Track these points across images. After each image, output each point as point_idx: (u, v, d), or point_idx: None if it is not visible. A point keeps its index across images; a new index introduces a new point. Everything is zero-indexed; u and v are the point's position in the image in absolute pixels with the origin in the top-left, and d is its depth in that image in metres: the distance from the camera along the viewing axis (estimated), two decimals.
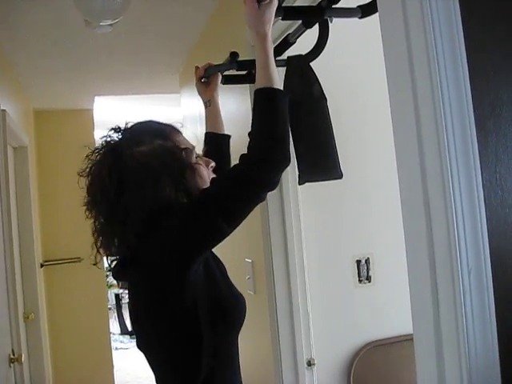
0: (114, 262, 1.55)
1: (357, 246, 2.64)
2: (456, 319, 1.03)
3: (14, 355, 2.97)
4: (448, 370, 1.06)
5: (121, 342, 8.04)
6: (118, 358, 6.03)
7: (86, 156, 1.47)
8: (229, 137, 2.00)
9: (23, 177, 4.35)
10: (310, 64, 2.09)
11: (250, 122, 1.43)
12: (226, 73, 2.15)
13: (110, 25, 2.84)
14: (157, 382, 1.52)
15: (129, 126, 1.53)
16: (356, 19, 1.68)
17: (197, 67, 2.03)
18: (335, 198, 2.58)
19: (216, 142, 1.97)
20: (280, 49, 1.98)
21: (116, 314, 8.39)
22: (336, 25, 1.73)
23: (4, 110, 3.27)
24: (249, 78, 2.19)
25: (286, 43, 1.89)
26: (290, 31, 1.87)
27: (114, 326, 7.44)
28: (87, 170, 1.46)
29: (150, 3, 3.02)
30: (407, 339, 2.53)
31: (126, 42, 3.70)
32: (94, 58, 4.05)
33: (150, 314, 1.44)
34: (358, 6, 1.63)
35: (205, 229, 1.35)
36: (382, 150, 2.57)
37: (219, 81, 2.05)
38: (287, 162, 1.38)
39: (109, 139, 1.48)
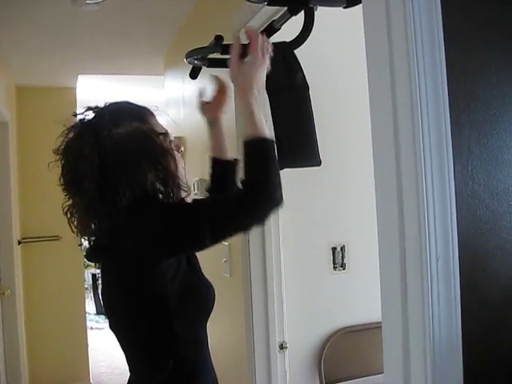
0: (90, 243, 1.53)
1: (333, 234, 2.68)
2: (423, 304, 1.07)
3: None
4: (413, 353, 1.10)
5: (96, 321, 8.03)
6: (92, 337, 6.03)
7: (62, 133, 1.45)
8: (235, 162, 1.83)
9: (3, 152, 4.34)
10: (295, 52, 2.12)
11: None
12: (211, 56, 2.16)
13: (97, 3, 2.83)
14: (128, 364, 1.54)
15: (104, 105, 1.51)
16: (341, 9, 1.70)
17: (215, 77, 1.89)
18: (314, 185, 2.62)
19: (222, 169, 1.82)
20: (265, 34, 1.99)
21: (92, 294, 8.38)
22: (321, 13, 1.74)
23: None
24: None
25: (271, 29, 1.89)
26: (275, 17, 1.88)
27: (90, 306, 7.43)
28: (63, 148, 1.45)
29: None
30: (377, 327, 2.56)
31: (112, 21, 3.68)
32: (79, 37, 4.02)
33: (122, 298, 1.45)
34: None
35: (190, 233, 1.36)
36: (360, 140, 2.60)
37: (228, 98, 1.86)
38: (282, 202, 1.41)
39: (83, 118, 1.46)
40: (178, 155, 1.53)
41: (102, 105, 1.51)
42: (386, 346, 1.18)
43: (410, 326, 1.10)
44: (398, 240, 1.12)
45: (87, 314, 6.12)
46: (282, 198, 1.40)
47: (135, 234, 1.38)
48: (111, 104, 1.52)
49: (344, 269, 2.66)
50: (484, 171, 1.16)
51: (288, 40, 1.96)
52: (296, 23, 1.79)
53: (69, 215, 1.48)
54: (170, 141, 1.52)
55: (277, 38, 2.00)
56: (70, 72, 5.03)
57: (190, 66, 2.42)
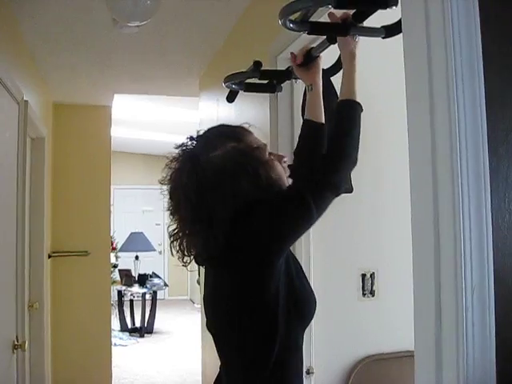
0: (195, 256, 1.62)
1: (363, 260, 2.67)
2: (457, 335, 1.07)
3: (17, 341, 3.02)
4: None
5: (120, 338, 8.08)
6: (116, 354, 6.06)
7: (166, 165, 1.56)
8: (324, 128, 1.95)
9: (39, 168, 4.42)
10: (331, 79, 2.15)
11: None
12: (248, 81, 2.20)
13: (137, 26, 2.90)
14: (223, 368, 1.63)
15: (201, 133, 1.63)
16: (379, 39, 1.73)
17: (292, 53, 1.96)
18: (345, 211, 2.62)
19: (314, 130, 1.94)
20: (303, 61, 2.02)
21: (117, 311, 8.44)
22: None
23: (26, 101, 3.33)
24: (269, 88, 2.25)
25: (309, 57, 1.93)
26: (313, 45, 1.91)
27: (114, 323, 7.48)
28: (168, 177, 1.55)
29: (177, 8, 3.09)
30: (406, 355, 2.56)
31: (150, 42, 3.77)
32: (117, 56, 4.12)
33: (233, 304, 1.53)
34: (382, 27, 1.67)
35: (298, 213, 1.49)
36: (394, 167, 2.61)
37: (321, 65, 1.94)
38: (356, 163, 1.60)
39: (184, 147, 1.57)
40: (278, 165, 1.61)
41: (199, 133, 1.63)
42: (418, 378, 1.17)
43: (443, 357, 1.10)
44: (433, 270, 1.12)
45: (112, 331, 6.15)
46: (357, 159, 1.60)
47: (251, 237, 1.48)
48: (208, 130, 1.64)
49: (373, 296, 2.65)
50: None
51: (326, 67, 2.00)
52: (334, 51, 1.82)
53: (172, 239, 1.60)
54: (270, 153, 1.62)
55: None
56: (106, 91, 5.15)
57: (226, 89, 2.46)
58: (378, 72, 2.60)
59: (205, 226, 1.47)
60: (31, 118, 3.53)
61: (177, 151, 1.57)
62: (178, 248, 1.58)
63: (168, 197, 1.56)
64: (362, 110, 1.66)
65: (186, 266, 1.61)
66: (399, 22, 1.59)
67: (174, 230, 1.58)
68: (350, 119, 1.63)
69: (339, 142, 1.60)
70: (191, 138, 1.59)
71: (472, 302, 1.07)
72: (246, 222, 1.48)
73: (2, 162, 2.90)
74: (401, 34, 1.56)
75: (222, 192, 1.48)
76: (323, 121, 1.93)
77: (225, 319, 1.58)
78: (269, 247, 1.47)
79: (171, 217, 1.58)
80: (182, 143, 1.58)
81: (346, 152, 1.59)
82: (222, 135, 1.59)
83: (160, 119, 7.56)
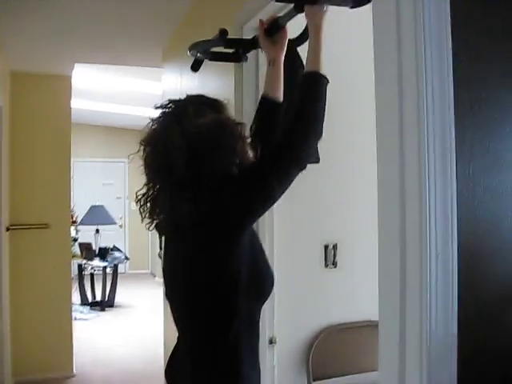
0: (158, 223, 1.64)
1: (325, 232, 2.70)
2: (421, 300, 1.09)
3: None
4: (409, 350, 1.12)
5: (81, 312, 8.02)
6: (77, 328, 6.00)
7: (147, 125, 1.56)
8: (282, 105, 1.94)
9: None
10: (297, 49, 2.13)
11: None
12: (213, 49, 2.17)
13: None
14: (181, 338, 1.67)
15: (184, 98, 1.63)
16: (347, 10, 1.72)
17: (261, 20, 1.93)
18: (309, 183, 2.63)
19: (270, 108, 1.92)
20: (270, 31, 2.00)
21: (78, 285, 8.36)
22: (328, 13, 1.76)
23: None
24: (235, 57, 2.22)
25: (276, 25, 1.91)
26: (281, 14, 1.89)
27: (75, 297, 7.41)
28: (149, 138, 1.55)
29: None
30: (367, 325, 2.61)
31: (113, 10, 3.68)
32: (79, 24, 4.01)
33: (196, 271, 1.55)
34: None
35: (262, 192, 1.53)
36: (359, 140, 2.63)
37: (286, 40, 1.92)
38: (321, 136, 1.60)
39: (165, 110, 1.58)
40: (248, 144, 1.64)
41: (182, 97, 1.63)
42: (382, 342, 1.20)
43: (407, 322, 1.12)
44: (398, 237, 1.14)
45: (72, 305, 6.10)
46: (322, 132, 1.60)
47: (222, 209, 1.50)
48: (189, 96, 1.65)
49: (335, 267, 2.68)
50: (485, 173, 1.19)
51: (292, 37, 1.99)
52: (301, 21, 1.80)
53: (142, 203, 1.59)
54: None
55: None
56: (67, 60, 5.01)
57: (190, 60, 2.42)
58: (351, 51, 2.59)
59: (188, 190, 1.48)
60: None
61: (157, 113, 1.57)
62: (147, 211, 1.58)
63: (147, 157, 1.55)
64: (327, 82, 1.64)
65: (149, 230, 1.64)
66: None
67: (147, 191, 1.57)
68: (315, 92, 1.62)
69: (304, 116, 1.60)
70: (172, 101, 1.59)
71: (436, 269, 1.09)
72: (215, 197, 1.49)
73: None
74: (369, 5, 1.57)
75: (210, 160, 1.49)
76: (281, 99, 1.92)
77: (186, 291, 1.59)
78: (234, 223, 1.50)
79: (150, 178, 1.57)
80: (162, 105, 1.59)
81: (311, 125, 1.59)
82: (204, 104, 1.60)
83: (121, 90, 7.42)
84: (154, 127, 1.56)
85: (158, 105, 1.60)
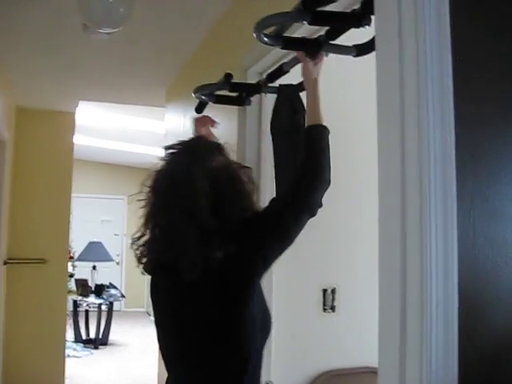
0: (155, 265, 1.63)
1: (324, 276, 2.69)
2: (421, 351, 1.08)
3: None
4: None
5: (74, 349, 7.91)
6: (69, 365, 5.92)
7: (154, 166, 1.57)
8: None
9: None
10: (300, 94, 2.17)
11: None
12: (218, 92, 2.21)
13: (108, 33, 2.89)
14: (183, 378, 1.62)
15: (189, 141, 1.65)
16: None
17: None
18: (307, 227, 2.63)
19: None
20: (273, 76, 2.05)
21: (72, 321, 8.28)
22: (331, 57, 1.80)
23: None
24: (239, 100, 2.26)
25: (280, 71, 1.95)
26: (285, 60, 1.93)
27: (69, 333, 7.34)
28: (168, 179, 1.53)
29: (149, 17, 3.08)
30: (365, 371, 2.58)
31: (119, 50, 3.75)
32: (84, 63, 4.09)
33: (214, 315, 1.53)
34: (354, 45, 1.70)
35: (281, 238, 1.58)
36: (358, 182, 2.65)
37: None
38: (330, 184, 1.69)
39: (176, 153, 1.58)
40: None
41: (186, 140, 1.65)
42: None
43: (407, 371, 1.11)
44: (399, 286, 1.14)
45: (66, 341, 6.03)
46: (330, 180, 1.68)
47: (241, 256, 1.51)
48: (193, 140, 1.71)
49: (334, 311, 2.66)
50: (485, 223, 1.20)
51: (295, 82, 2.02)
52: None
53: (141, 248, 1.60)
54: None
55: (284, 80, 2.07)
56: (71, 97, 5.09)
57: (193, 100, 2.47)
58: (355, 92, 2.63)
59: (216, 236, 1.47)
60: None
61: (164, 153, 1.58)
62: (144, 252, 1.59)
63: (163, 198, 1.54)
64: (328, 132, 1.72)
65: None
66: (371, 41, 1.64)
67: (153, 232, 1.58)
68: (320, 144, 1.70)
69: (313, 166, 1.67)
70: (182, 143, 1.61)
71: (436, 318, 1.09)
72: (237, 243, 1.50)
73: None
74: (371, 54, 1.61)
75: (230, 203, 1.51)
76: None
77: (200, 333, 1.56)
78: (256, 268, 1.53)
79: (158, 218, 1.57)
80: (173, 146, 1.59)
81: (320, 174, 1.67)
82: (211, 148, 1.61)
83: (122, 128, 7.49)
84: (171, 168, 1.54)
85: (169, 145, 1.59)
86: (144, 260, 1.61)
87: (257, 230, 1.55)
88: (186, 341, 1.60)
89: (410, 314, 1.12)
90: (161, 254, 1.57)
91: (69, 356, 6.75)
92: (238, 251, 1.49)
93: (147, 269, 1.64)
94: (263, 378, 2.40)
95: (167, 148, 1.59)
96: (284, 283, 2.55)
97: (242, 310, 1.50)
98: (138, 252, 1.60)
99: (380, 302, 1.21)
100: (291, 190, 1.68)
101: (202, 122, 2.22)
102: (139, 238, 1.59)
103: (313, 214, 1.64)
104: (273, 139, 2.10)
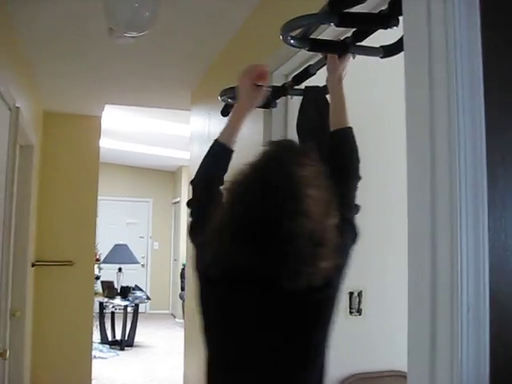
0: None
1: (351, 279, 2.66)
2: (451, 358, 1.07)
3: None
4: None
5: (100, 350, 7.99)
6: (95, 366, 5.98)
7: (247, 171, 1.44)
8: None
9: (26, 176, 4.39)
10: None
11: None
12: None
13: (134, 37, 2.91)
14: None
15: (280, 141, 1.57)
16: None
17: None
18: None
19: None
20: (299, 78, 2.04)
21: (98, 323, 8.36)
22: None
23: (18, 107, 3.32)
24: (264, 103, 2.26)
25: (305, 73, 1.95)
26: (311, 62, 1.93)
27: (95, 335, 7.41)
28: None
29: (174, 21, 3.10)
30: (391, 375, 2.56)
31: (144, 54, 3.78)
32: (110, 67, 4.13)
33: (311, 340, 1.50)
34: (381, 46, 1.69)
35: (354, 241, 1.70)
36: (386, 185, 2.63)
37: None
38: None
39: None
40: None
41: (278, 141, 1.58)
42: None
43: (436, 374, 1.10)
44: (429, 290, 1.12)
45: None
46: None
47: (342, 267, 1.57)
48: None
49: (360, 314, 2.65)
50: None
51: (321, 85, 2.02)
52: None
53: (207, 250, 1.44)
54: None
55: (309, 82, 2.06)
56: (97, 101, 5.14)
57: (218, 103, 2.47)
58: (382, 93, 2.61)
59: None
60: (22, 124, 3.51)
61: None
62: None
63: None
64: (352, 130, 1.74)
65: None
66: (398, 42, 1.63)
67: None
68: (351, 146, 1.72)
69: (350, 168, 1.69)
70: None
71: (467, 322, 1.07)
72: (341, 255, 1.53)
73: None
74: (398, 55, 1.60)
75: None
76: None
77: (290, 359, 1.45)
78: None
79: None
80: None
81: (357, 175, 1.70)
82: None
83: (148, 131, 7.55)
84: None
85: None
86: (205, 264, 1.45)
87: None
88: (265, 367, 1.44)
89: (440, 317, 1.10)
90: (251, 259, 1.35)
91: (95, 357, 6.82)
92: (343, 263, 1.50)
93: (213, 275, 1.44)
94: None
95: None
96: None
97: (328, 320, 1.51)
98: (208, 257, 1.42)
99: (409, 306, 1.20)
100: (349, 196, 1.66)
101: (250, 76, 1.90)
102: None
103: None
104: (299, 140, 2.10)
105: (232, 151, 1.75)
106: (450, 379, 1.07)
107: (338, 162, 1.66)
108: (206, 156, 1.77)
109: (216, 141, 1.76)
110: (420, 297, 1.16)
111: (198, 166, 1.78)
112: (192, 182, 1.76)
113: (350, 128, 1.72)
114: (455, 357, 1.06)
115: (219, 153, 1.74)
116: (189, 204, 1.80)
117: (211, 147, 1.76)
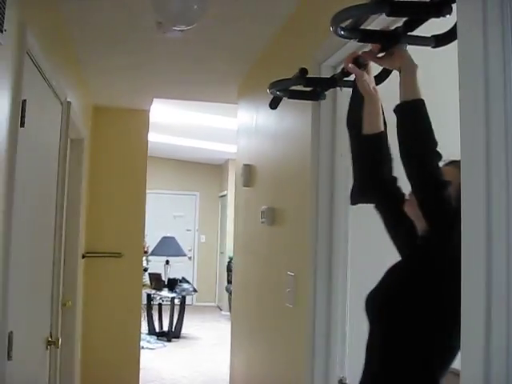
0: None
1: None
2: (508, 348, 1.05)
3: (51, 338, 3.06)
4: None
5: (148, 341, 8.13)
6: (143, 357, 6.09)
7: None
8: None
9: (77, 169, 4.49)
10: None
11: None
12: (292, 88, 2.20)
13: (181, 30, 2.93)
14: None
15: None
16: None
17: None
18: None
19: (380, 144, 1.96)
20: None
21: (146, 314, 8.49)
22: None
23: (69, 102, 3.39)
24: (313, 95, 2.24)
25: (356, 64, 1.92)
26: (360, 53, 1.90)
27: (143, 326, 7.54)
28: None
29: (220, 14, 3.11)
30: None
31: (191, 48, 3.80)
32: (157, 61, 4.17)
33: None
34: (432, 36, 1.65)
35: None
36: None
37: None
38: None
39: None
40: None
41: None
42: None
43: (491, 371, 1.08)
44: (484, 284, 1.10)
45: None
46: None
47: None
48: None
49: None
50: None
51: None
52: None
53: None
54: None
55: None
56: (146, 95, 5.20)
57: (265, 96, 2.46)
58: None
59: None
60: (72, 118, 3.58)
61: None
62: None
63: None
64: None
65: None
66: (450, 31, 1.59)
67: None
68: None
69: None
70: None
71: None
72: None
73: (45, 161, 2.96)
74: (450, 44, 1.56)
75: None
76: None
77: None
78: None
79: None
80: None
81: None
82: None
83: (195, 125, 7.61)
84: None
85: None
86: None
87: None
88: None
89: (495, 314, 1.08)
90: None
91: (143, 348, 6.94)
92: None
93: None
94: (337, 373, 2.40)
95: None
96: (358, 275, 2.52)
97: None
98: None
99: (463, 301, 1.17)
100: None
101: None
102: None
103: None
104: (349, 133, 2.08)
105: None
106: (505, 376, 1.05)
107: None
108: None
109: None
110: (474, 293, 1.12)
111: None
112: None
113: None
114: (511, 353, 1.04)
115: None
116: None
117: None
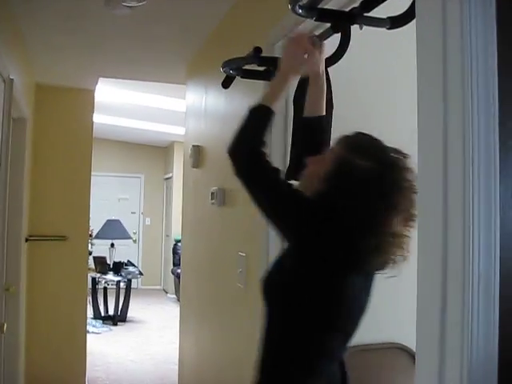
0: None
1: None
2: (462, 327, 1.07)
3: None
4: (448, 371, 1.10)
5: (93, 326, 8.02)
6: (89, 341, 6.00)
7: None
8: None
9: (19, 149, 4.34)
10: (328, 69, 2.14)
11: None
12: (245, 67, 2.19)
13: (131, 7, 2.87)
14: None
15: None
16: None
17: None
18: None
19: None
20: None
21: (91, 298, 8.37)
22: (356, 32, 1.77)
23: (12, 79, 3.27)
24: (266, 75, 2.23)
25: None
26: (316, 33, 1.91)
27: (88, 310, 7.43)
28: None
29: None
30: (390, 347, 2.59)
31: (139, 26, 3.72)
32: (105, 39, 4.07)
33: None
34: (388, 17, 1.67)
35: None
36: None
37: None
38: None
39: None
40: None
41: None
42: (420, 372, 1.18)
43: (447, 342, 1.11)
44: (440, 258, 1.13)
45: None
46: None
47: None
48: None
49: None
50: None
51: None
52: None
53: None
54: None
55: None
56: (91, 74, 5.08)
57: (216, 77, 2.45)
58: (378, 69, 2.59)
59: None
60: (15, 97, 3.46)
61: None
62: None
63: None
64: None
65: None
66: (405, 13, 1.61)
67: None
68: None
69: None
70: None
71: (478, 290, 1.08)
72: None
73: None
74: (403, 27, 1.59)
75: None
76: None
77: None
78: None
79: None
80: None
81: None
82: None
83: (142, 106, 7.49)
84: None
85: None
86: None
87: None
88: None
89: (451, 287, 1.11)
90: None
91: (88, 332, 6.84)
92: None
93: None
94: None
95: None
96: None
97: None
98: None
99: (419, 275, 1.20)
100: None
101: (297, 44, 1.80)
102: None
103: None
104: (294, 113, 2.09)
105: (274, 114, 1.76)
106: (460, 348, 1.08)
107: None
108: (247, 120, 1.72)
109: (260, 105, 1.73)
110: (430, 267, 1.15)
111: (235, 133, 1.70)
112: (233, 150, 1.68)
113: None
114: (466, 330, 1.07)
115: (265, 116, 1.73)
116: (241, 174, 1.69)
117: (253, 111, 1.74)
